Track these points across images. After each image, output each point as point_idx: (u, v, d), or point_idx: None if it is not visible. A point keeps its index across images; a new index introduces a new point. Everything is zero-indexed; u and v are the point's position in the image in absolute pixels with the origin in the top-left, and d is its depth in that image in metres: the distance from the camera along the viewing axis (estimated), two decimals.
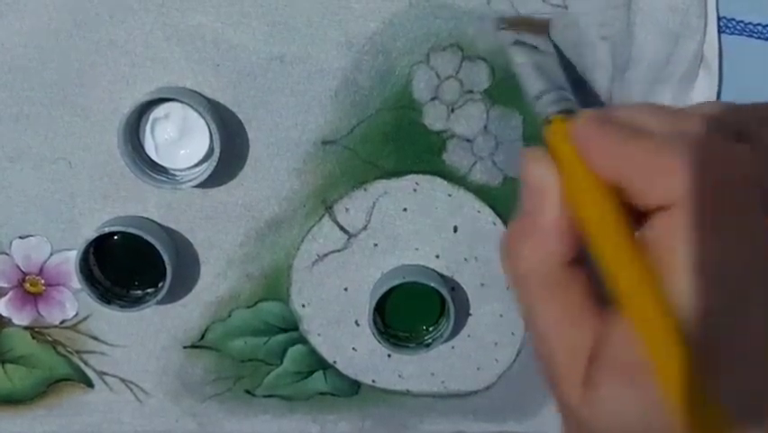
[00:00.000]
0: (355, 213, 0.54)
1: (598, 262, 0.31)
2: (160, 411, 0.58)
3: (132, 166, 0.50)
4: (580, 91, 0.51)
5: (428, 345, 0.55)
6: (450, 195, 0.54)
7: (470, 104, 0.52)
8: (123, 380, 0.57)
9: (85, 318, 0.55)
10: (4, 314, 0.55)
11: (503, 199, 0.54)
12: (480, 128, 0.53)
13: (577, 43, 0.52)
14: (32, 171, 0.52)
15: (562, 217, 0.32)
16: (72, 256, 0.52)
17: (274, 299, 0.56)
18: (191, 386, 0.57)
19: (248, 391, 0.58)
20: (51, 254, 0.54)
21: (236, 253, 0.54)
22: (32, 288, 0.54)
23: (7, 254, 0.54)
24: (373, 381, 0.58)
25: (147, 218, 0.53)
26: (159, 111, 0.50)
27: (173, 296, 0.55)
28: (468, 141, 0.53)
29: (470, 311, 0.56)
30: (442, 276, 0.55)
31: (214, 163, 0.49)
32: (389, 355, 0.57)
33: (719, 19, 0.53)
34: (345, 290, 0.56)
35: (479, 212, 0.54)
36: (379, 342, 0.54)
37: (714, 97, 0.55)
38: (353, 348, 0.57)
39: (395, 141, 0.53)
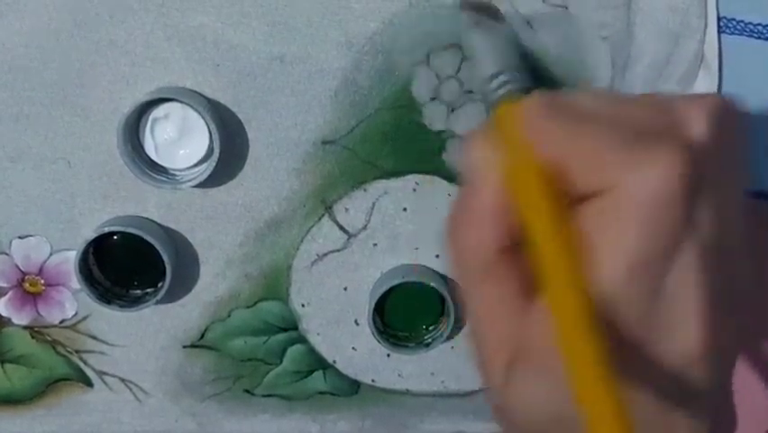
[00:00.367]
0: (355, 213, 0.54)
1: (531, 248, 0.31)
2: (159, 411, 0.58)
3: (131, 166, 0.49)
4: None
5: (428, 345, 0.55)
6: (450, 195, 0.54)
7: (470, 104, 0.52)
8: (122, 379, 0.57)
9: (84, 318, 0.55)
10: (4, 314, 0.55)
11: None
12: None
13: (577, 44, 0.52)
14: (31, 171, 0.52)
15: (499, 202, 0.32)
16: (72, 256, 0.52)
17: (274, 298, 0.56)
18: (191, 386, 0.57)
19: (247, 391, 0.58)
20: (51, 254, 0.54)
21: (236, 252, 0.54)
22: (31, 288, 0.54)
23: (7, 254, 0.53)
24: (373, 380, 0.58)
25: (147, 218, 0.53)
26: (158, 111, 0.50)
27: (173, 296, 0.54)
28: None
29: None
30: (441, 276, 0.55)
31: (214, 163, 0.49)
32: (389, 355, 0.57)
33: (719, 19, 0.53)
34: (345, 289, 0.56)
35: None
36: (379, 341, 0.54)
37: None
38: (353, 348, 0.57)
39: (395, 141, 0.53)
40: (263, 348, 0.57)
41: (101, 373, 0.56)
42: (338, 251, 0.55)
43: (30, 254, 0.53)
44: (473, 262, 0.33)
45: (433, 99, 0.52)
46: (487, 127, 0.34)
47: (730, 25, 0.53)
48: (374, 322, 0.54)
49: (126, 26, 0.49)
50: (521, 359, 0.31)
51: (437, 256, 0.55)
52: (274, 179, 0.53)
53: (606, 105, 0.32)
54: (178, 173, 0.51)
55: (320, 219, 0.54)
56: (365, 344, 0.57)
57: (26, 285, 0.54)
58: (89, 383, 0.57)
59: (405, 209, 0.54)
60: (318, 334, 0.57)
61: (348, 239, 0.55)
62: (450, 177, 0.53)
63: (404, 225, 0.54)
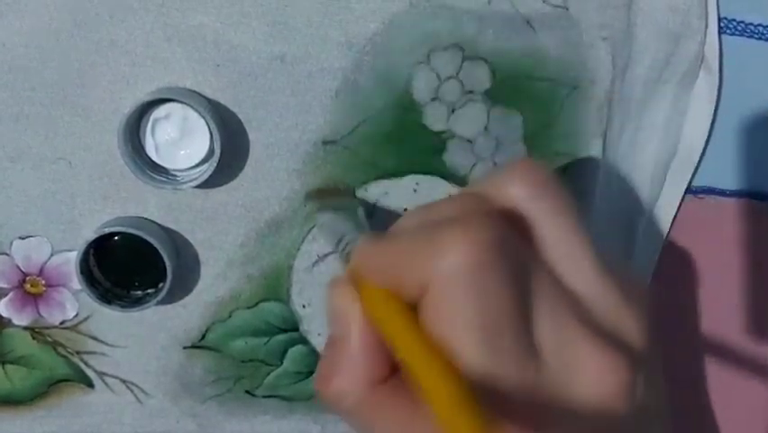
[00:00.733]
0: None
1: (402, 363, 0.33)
2: (160, 412, 0.57)
3: (132, 166, 0.49)
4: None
5: None
6: (450, 195, 0.54)
7: (471, 104, 0.52)
8: (123, 380, 0.57)
9: (85, 319, 0.55)
10: (5, 314, 0.55)
11: None
12: (480, 129, 0.53)
13: (577, 44, 0.52)
14: (32, 172, 0.52)
15: (368, 339, 0.35)
16: (72, 257, 0.52)
17: (274, 299, 0.56)
18: (191, 387, 0.57)
19: (248, 392, 0.58)
20: (52, 255, 0.54)
21: (236, 253, 0.54)
22: (32, 288, 0.54)
23: (7, 255, 0.53)
24: None
25: (147, 219, 0.53)
26: (159, 111, 0.50)
27: (173, 296, 0.54)
28: (468, 141, 0.53)
29: None
30: None
31: (215, 164, 0.49)
32: None
33: (720, 19, 0.53)
34: None
35: None
36: None
37: (714, 98, 0.55)
38: None
39: (395, 141, 0.53)
40: (264, 349, 0.57)
41: (102, 374, 0.56)
42: None
43: (30, 255, 0.53)
44: (356, 403, 0.35)
45: (433, 100, 0.52)
46: (343, 281, 0.37)
47: (731, 26, 0.54)
48: None
49: (126, 26, 0.50)
50: None
51: None
52: (275, 180, 0.53)
53: (416, 215, 0.36)
54: (178, 174, 0.51)
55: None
56: None
57: (27, 286, 0.54)
58: (90, 384, 0.57)
59: (405, 210, 0.54)
60: (319, 334, 0.57)
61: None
62: (450, 177, 0.53)
63: None
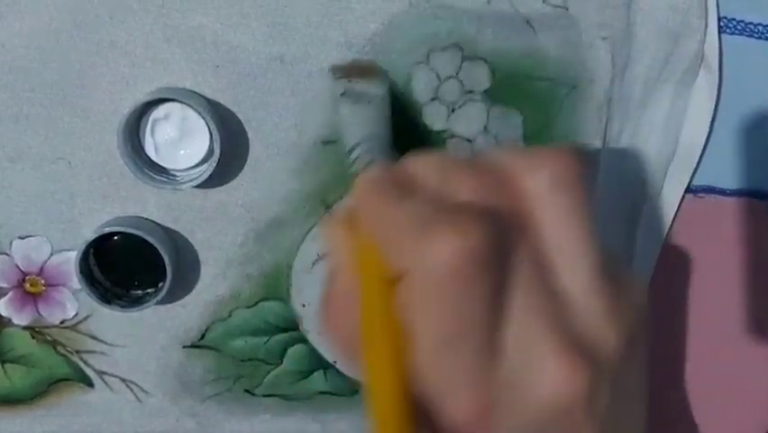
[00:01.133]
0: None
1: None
2: (159, 411, 0.58)
3: (131, 166, 0.49)
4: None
5: None
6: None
7: (471, 104, 0.52)
8: (122, 379, 0.57)
9: (85, 318, 0.55)
10: (4, 314, 0.55)
11: None
12: (480, 128, 0.53)
13: (577, 44, 0.52)
14: (31, 172, 0.52)
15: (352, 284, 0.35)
16: (72, 256, 0.52)
17: (274, 298, 0.56)
18: (191, 386, 0.57)
19: (248, 391, 0.58)
20: (51, 255, 0.54)
21: (236, 253, 0.54)
22: (32, 288, 0.54)
23: (7, 255, 0.54)
24: None
25: (147, 219, 0.53)
26: (159, 111, 0.50)
27: (173, 296, 0.54)
28: (468, 141, 0.53)
29: None
30: None
31: (214, 164, 0.49)
32: None
33: (720, 19, 0.53)
34: None
35: None
36: None
37: (714, 97, 0.55)
38: None
39: (395, 141, 0.53)
40: (264, 348, 0.57)
41: (101, 373, 0.56)
42: None
43: (30, 255, 0.53)
44: (343, 339, 0.35)
45: (433, 99, 0.52)
46: (346, 205, 0.37)
47: (731, 25, 0.54)
48: None
49: (126, 27, 0.49)
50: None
51: None
52: (274, 180, 0.53)
53: (434, 175, 0.35)
54: (178, 174, 0.51)
55: (321, 219, 0.54)
56: None
57: (27, 285, 0.54)
58: (90, 383, 0.57)
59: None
60: (319, 333, 0.57)
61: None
62: None
63: None
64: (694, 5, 0.52)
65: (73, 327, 0.55)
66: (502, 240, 0.33)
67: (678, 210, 0.57)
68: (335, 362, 0.57)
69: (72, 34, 0.50)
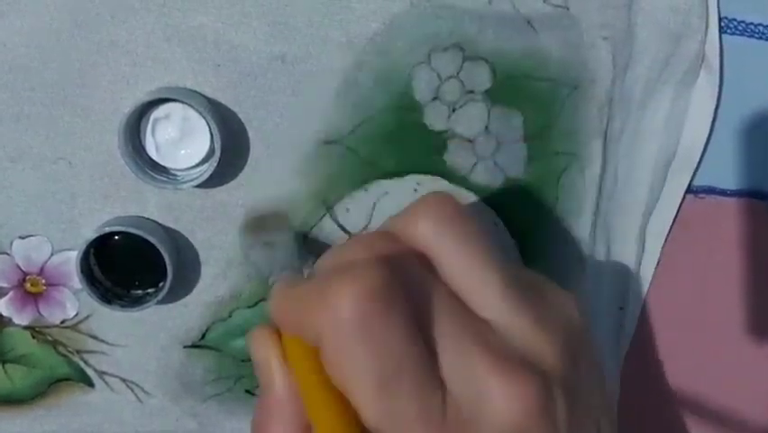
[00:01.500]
0: (356, 213, 0.54)
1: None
2: (160, 411, 0.58)
3: (132, 166, 0.49)
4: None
5: None
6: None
7: (472, 104, 0.52)
8: (123, 380, 0.57)
9: (85, 318, 0.55)
10: (5, 314, 0.55)
11: (504, 200, 0.54)
12: (481, 128, 0.53)
13: (578, 44, 0.52)
14: (32, 171, 0.52)
15: (287, 387, 0.36)
16: (73, 256, 0.52)
17: None
18: (192, 386, 0.57)
19: (249, 391, 0.58)
20: (52, 254, 0.54)
21: (237, 253, 0.54)
22: (32, 288, 0.54)
23: (8, 254, 0.53)
24: None
25: (147, 218, 0.53)
26: (159, 111, 0.50)
27: (174, 296, 0.54)
28: (469, 141, 0.53)
29: None
30: None
31: (215, 163, 0.49)
32: None
33: (721, 19, 0.53)
34: None
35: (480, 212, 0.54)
36: None
37: (715, 97, 0.55)
38: None
39: (396, 141, 0.53)
40: None
41: (102, 373, 0.56)
42: None
43: (31, 254, 0.53)
44: None
45: (434, 99, 0.52)
46: (262, 328, 0.39)
47: (731, 25, 0.54)
48: None
49: (127, 26, 0.49)
50: None
51: None
52: (275, 179, 0.53)
53: (331, 256, 0.37)
54: (179, 173, 0.51)
55: (321, 219, 0.54)
56: None
57: (27, 285, 0.54)
58: (90, 383, 0.57)
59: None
60: None
61: (349, 239, 0.55)
62: (451, 177, 0.53)
63: None
64: (695, 6, 0.52)
65: (74, 327, 0.55)
66: (404, 275, 0.34)
67: (678, 211, 0.57)
68: None
69: (73, 33, 0.50)
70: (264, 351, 0.38)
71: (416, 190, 0.54)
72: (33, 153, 0.52)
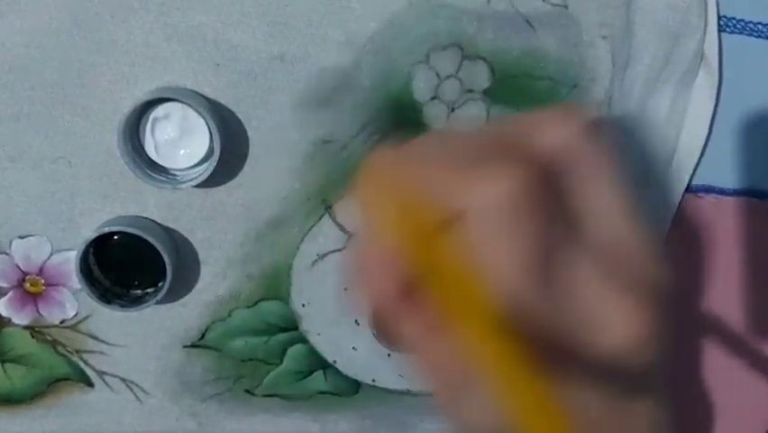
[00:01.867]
0: (356, 213, 0.54)
1: (425, 284, 0.33)
2: (159, 411, 0.57)
3: (132, 166, 0.49)
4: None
5: None
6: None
7: (471, 103, 0.52)
8: (122, 379, 0.57)
9: (85, 318, 0.55)
10: (4, 314, 0.55)
11: None
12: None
13: (577, 43, 0.52)
14: (31, 171, 0.52)
15: (388, 248, 0.34)
16: (72, 256, 0.52)
17: (274, 298, 0.56)
18: (191, 386, 0.57)
19: (248, 391, 0.58)
20: (51, 254, 0.54)
21: (236, 252, 0.54)
22: (31, 288, 0.54)
23: (7, 254, 0.53)
24: (373, 380, 0.58)
25: (147, 218, 0.53)
26: (159, 111, 0.50)
27: (173, 296, 0.54)
28: None
29: None
30: None
31: (215, 163, 0.49)
32: (389, 355, 0.57)
33: (720, 18, 0.53)
34: (345, 289, 0.56)
35: None
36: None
37: (714, 96, 0.55)
38: (353, 348, 0.57)
39: (395, 140, 0.52)
40: (264, 348, 0.57)
41: (101, 373, 0.56)
42: (338, 250, 0.55)
43: (30, 254, 0.53)
44: (383, 306, 0.35)
45: (433, 99, 0.52)
46: (364, 180, 0.36)
47: (730, 24, 0.54)
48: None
49: (126, 26, 0.49)
50: (457, 386, 0.33)
51: None
52: (274, 179, 0.53)
53: (449, 141, 0.36)
54: (178, 173, 0.51)
55: (320, 219, 0.54)
56: (366, 344, 0.57)
57: (27, 285, 0.54)
58: (90, 383, 0.57)
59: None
60: (319, 334, 0.57)
61: (349, 239, 0.55)
62: None
63: None
64: (694, 5, 0.52)
65: (73, 327, 0.55)
66: (547, 182, 0.32)
67: (678, 210, 0.57)
68: (335, 361, 0.57)
69: (72, 33, 0.50)
70: (381, 201, 0.35)
71: None
72: (33, 153, 0.52)
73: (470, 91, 0.52)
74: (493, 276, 0.32)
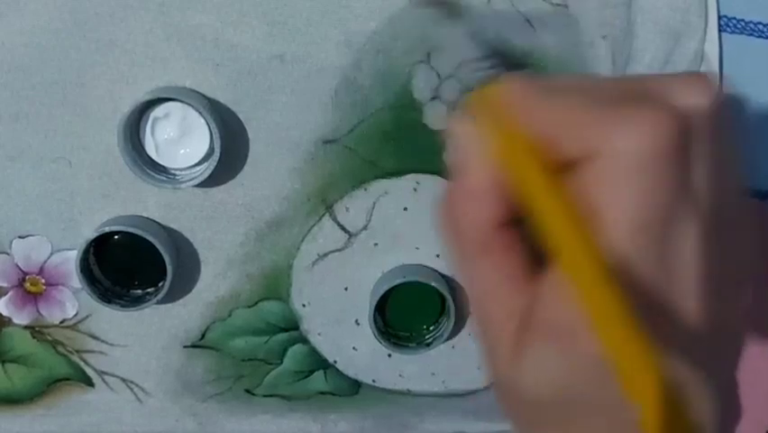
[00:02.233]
0: (356, 212, 0.54)
1: (532, 221, 0.31)
2: (160, 411, 0.57)
3: (132, 165, 0.49)
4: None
5: (429, 345, 0.55)
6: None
7: None
8: (123, 379, 0.57)
9: (85, 318, 0.55)
10: (5, 313, 0.55)
11: None
12: None
13: (577, 42, 0.52)
14: (32, 171, 0.52)
15: (491, 179, 0.32)
16: (72, 256, 0.52)
17: (274, 298, 0.56)
18: (191, 386, 0.57)
19: (248, 391, 0.58)
20: (51, 254, 0.54)
21: (236, 252, 0.54)
22: (32, 287, 0.54)
23: (7, 254, 0.53)
24: (374, 380, 0.58)
25: (147, 218, 0.53)
26: (159, 110, 0.50)
27: (173, 295, 0.54)
28: None
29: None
30: (442, 275, 0.55)
31: (215, 163, 0.49)
32: (390, 355, 0.57)
33: (720, 18, 0.53)
34: (346, 289, 0.56)
35: None
36: (380, 341, 0.54)
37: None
38: (354, 348, 0.57)
39: (395, 140, 0.53)
40: (264, 348, 0.57)
41: (102, 373, 0.56)
42: (339, 250, 0.55)
43: (30, 254, 0.53)
44: (472, 240, 0.33)
45: (433, 99, 0.52)
46: (469, 108, 0.34)
47: (731, 24, 0.53)
48: (375, 322, 0.54)
49: (126, 26, 0.49)
50: (532, 332, 0.31)
51: (438, 256, 0.55)
52: (275, 179, 0.53)
53: (585, 81, 0.33)
54: (178, 173, 0.51)
55: (321, 219, 0.54)
56: (366, 344, 0.57)
57: (27, 285, 0.54)
58: (90, 383, 0.57)
59: (405, 209, 0.54)
60: (319, 334, 0.57)
61: (349, 239, 0.55)
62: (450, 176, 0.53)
63: (404, 225, 0.54)
64: (694, 4, 0.52)
65: (73, 327, 0.55)
66: (689, 138, 0.31)
67: None
68: (336, 361, 0.57)
69: (72, 33, 0.50)
70: (471, 132, 0.33)
71: (415, 190, 0.54)
72: (33, 153, 0.52)
73: (471, 91, 0.52)
74: (609, 227, 0.30)
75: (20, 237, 0.53)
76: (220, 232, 0.54)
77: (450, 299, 0.53)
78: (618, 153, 0.30)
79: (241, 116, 0.51)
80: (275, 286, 0.55)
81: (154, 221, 0.53)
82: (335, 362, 0.58)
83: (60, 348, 0.56)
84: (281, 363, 0.57)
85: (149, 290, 0.54)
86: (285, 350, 0.57)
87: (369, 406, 0.59)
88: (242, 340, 0.56)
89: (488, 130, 0.33)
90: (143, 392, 0.57)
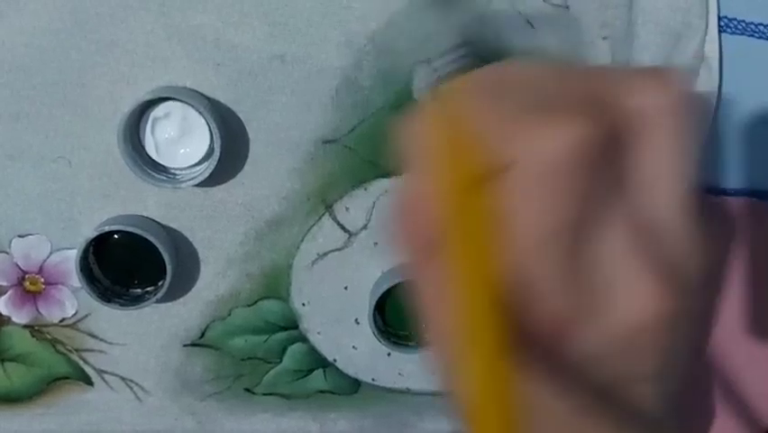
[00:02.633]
0: (355, 212, 0.54)
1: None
2: (159, 410, 0.58)
3: (132, 165, 0.49)
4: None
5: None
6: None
7: None
8: (122, 378, 0.57)
9: (84, 317, 0.55)
10: (4, 312, 0.55)
11: None
12: None
13: (577, 43, 0.52)
14: (31, 170, 0.52)
15: (426, 193, 0.32)
16: (72, 255, 0.52)
17: (274, 297, 0.56)
18: (191, 384, 0.57)
19: (248, 390, 0.58)
20: (51, 253, 0.54)
21: (236, 251, 0.54)
22: (31, 286, 0.54)
23: (7, 253, 0.53)
24: (373, 379, 0.58)
25: (147, 217, 0.53)
26: (159, 110, 0.50)
27: (173, 294, 0.54)
28: None
29: None
30: None
31: (215, 162, 0.49)
32: (389, 354, 0.57)
33: (720, 18, 0.53)
34: (345, 288, 0.56)
35: None
36: (379, 340, 0.54)
37: (714, 97, 0.55)
38: (353, 347, 0.57)
39: (395, 140, 0.52)
40: (263, 347, 0.57)
41: (101, 372, 0.56)
42: (339, 250, 0.55)
43: (30, 253, 0.53)
44: (421, 243, 0.33)
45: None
46: (427, 106, 0.33)
47: (731, 25, 0.53)
48: (375, 321, 0.54)
49: (127, 26, 0.49)
50: (452, 356, 0.32)
51: None
52: (274, 179, 0.53)
53: (540, 75, 0.33)
54: (178, 172, 0.51)
55: (321, 218, 0.54)
56: (365, 343, 0.57)
57: (26, 284, 0.54)
58: (89, 382, 0.57)
59: None
60: (319, 333, 0.57)
61: (349, 238, 0.55)
62: None
63: None
64: (695, 5, 0.52)
65: (73, 326, 0.55)
66: (608, 144, 0.30)
67: None
68: (335, 360, 0.58)
69: (73, 33, 0.49)
70: (423, 135, 0.33)
71: None
72: (33, 152, 0.52)
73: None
74: (517, 238, 0.30)
75: (19, 236, 0.53)
76: (220, 231, 0.54)
77: None
78: (531, 161, 0.30)
79: (241, 116, 0.51)
80: (275, 285, 0.56)
81: (154, 220, 0.53)
82: (335, 360, 0.58)
83: (60, 347, 0.56)
84: (281, 361, 0.57)
85: (148, 289, 0.54)
86: (284, 349, 0.57)
87: (368, 405, 0.59)
88: (242, 339, 0.56)
89: (433, 132, 0.32)
90: (143, 391, 0.57)
